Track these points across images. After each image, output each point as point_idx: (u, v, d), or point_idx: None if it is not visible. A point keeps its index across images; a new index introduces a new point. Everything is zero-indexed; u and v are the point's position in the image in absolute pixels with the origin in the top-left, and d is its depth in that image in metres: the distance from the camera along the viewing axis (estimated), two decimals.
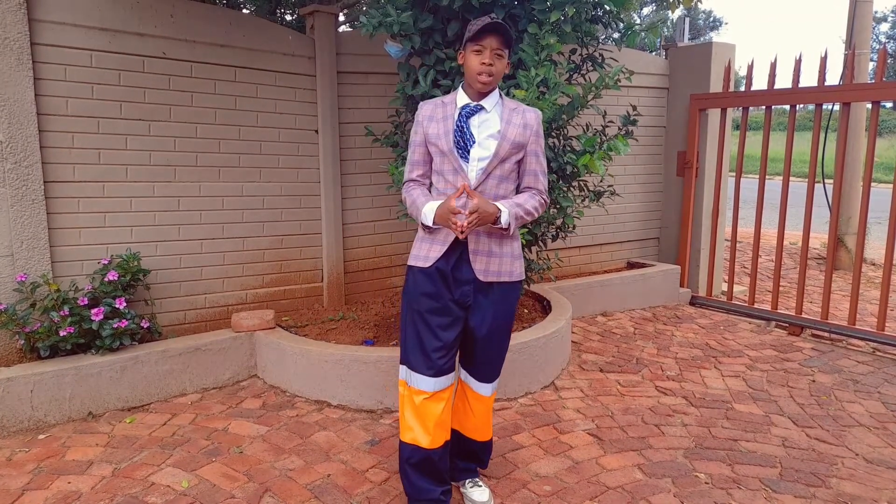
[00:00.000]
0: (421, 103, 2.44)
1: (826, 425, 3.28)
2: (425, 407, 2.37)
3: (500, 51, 2.26)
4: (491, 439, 2.69)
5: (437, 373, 2.34)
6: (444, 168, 2.34)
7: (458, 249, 2.34)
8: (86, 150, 3.57)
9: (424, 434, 2.37)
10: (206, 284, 4.07)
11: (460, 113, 2.33)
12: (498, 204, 2.27)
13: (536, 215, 2.42)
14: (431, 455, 2.38)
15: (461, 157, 2.30)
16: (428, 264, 2.34)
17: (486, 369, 2.51)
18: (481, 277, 2.34)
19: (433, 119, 2.36)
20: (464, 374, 2.58)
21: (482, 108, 2.33)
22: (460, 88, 2.40)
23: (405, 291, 2.44)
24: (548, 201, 2.48)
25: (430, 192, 2.44)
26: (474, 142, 2.30)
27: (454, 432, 2.62)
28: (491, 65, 2.24)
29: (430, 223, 2.30)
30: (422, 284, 2.36)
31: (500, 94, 2.40)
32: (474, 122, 2.32)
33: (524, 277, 2.53)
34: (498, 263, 2.37)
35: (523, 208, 2.35)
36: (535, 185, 2.42)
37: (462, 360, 2.57)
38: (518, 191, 2.45)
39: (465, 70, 2.32)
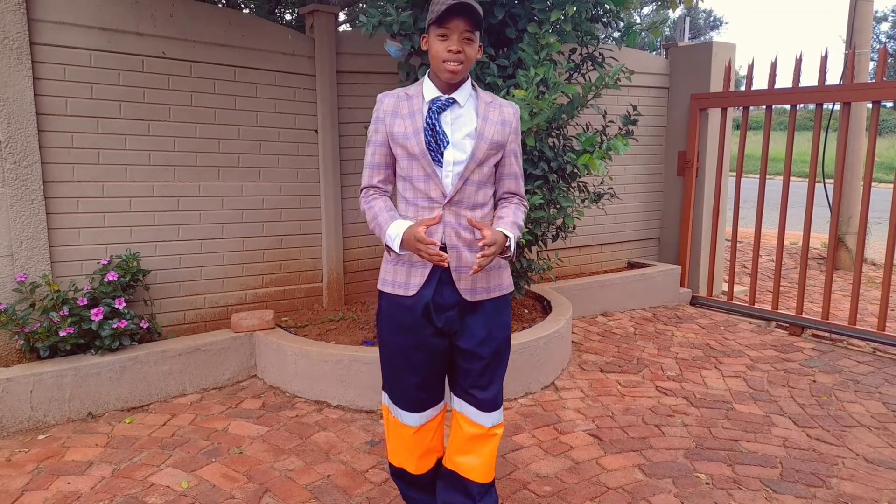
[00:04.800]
0: (380, 95, 2.08)
1: (827, 425, 3.28)
2: (411, 439, 2.17)
3: (470, 34, 1.93)
4: (493, 481, 2.22)
5: (421, 408, 2.13)
6: (413, 174, 2.01)
7: (439, 271, 2.03)
8: (85, 149, 3.56)
9: (410, 462, 2.21)
10: (205, 284, 4.07)
11: (430, 108, 2.01)
12: (504, 230, 1.98)
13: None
14: (421, 479, 2.25)
15: (434, 160, 1.98)
16: (410, 293, 2.03)
17: (485, 395, 2.12)
18: (468, 297, 2.04)
19: (397, 115, 2.02)
20: (457, 404, 2.18)
21: (454, 101, 2.01)
22: (426, 78, 2.06)
23: (380, 319, 2.14)
24: (527, 206, 2.24)
25: (393, 201, 2.13)
26: (448, 142, 1.98)
27: (450, 474, 2.22)
28: (459, 51, 1.92)
29: (396, 248, 1.98)
30: (400, 316, 2.06)
31: (473, 85, 2.08)
32: (446, 118, 2.00)
33: (514, 289, 2.25)
34: (485, 279, 2.07)
35: (519, 227, 2.08)
36: (516, 190, 2.15)
37: (455, 388, 2.20)
38: (496, 195, 2.16)
39: (431, 58, 1.98)
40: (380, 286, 2.12)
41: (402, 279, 2.05)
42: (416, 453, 2.19)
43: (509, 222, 2.05)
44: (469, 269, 2.03)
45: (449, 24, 1.91)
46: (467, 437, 2.14)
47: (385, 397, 2.22)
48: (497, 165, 2.10)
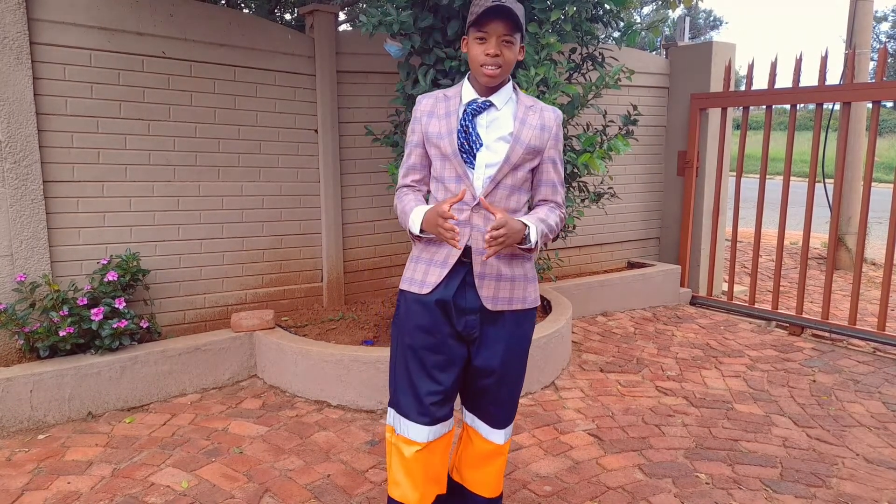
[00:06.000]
0: (419, 97, 2.09)
1: (826, 425, 3.28)
2: (416, 460, 2.00)
3: (509, 37, 1.89)
4: (501, 495, 2.23)
5: (432, 421, 1.99)
6: (444, 174, 1.99)
7: (462, 273, 1.98)
8: (85, 149, 3.56)
9: (413, 491, 2.02)
10: (205, 284, 4.07)
11: (465, 110, 1.98)
12: (523, 219, 1.91)
13: (557, 232, 2.07)
14: None
15: (466, 161, 1.95)
16: (425, 291, 1.98)
17: (498, 413, 2.09)
18: (489, 306, 1.98)
19: (434, 115, 2.01)
20: (469, 418, 2.15)
21: (491, 104, 1.97)
22: (466, 80, 2.03)
23: (395, 321, 2.08)
24: (566, 217, 2.14)
25: (426, 200, 2.11)
26: (481, 144, 1.95)
27: (456, 486, 2.22)
28: (497, 55, 1.88)
29: (416, 231, 1.96)
30: (416, 315, 1.99)
31: (515, 88, 2.03)
32: (482, 121, 1.97)
33: (539, 303, 2.13)
34: (509, 289, 2.00)
35: (546, 224, 1.98)
36: (553, 197, 2.06)
37: (467, 402, 2.16)
38: (531, 204, 2.10)
39: (469, 60, 1.95)
40: (400, 285, 2.08)
41: (419, 276, 2.01)
42: (421, 477, 2.02)
43: (535, 218, 1.98)
44: (494, 275, 1.98)
45: (487, 27, 1.88)
46: (479, 453, 2.15)
47: (391, 415, 2.07)
48: (534, 172, 2.05)
